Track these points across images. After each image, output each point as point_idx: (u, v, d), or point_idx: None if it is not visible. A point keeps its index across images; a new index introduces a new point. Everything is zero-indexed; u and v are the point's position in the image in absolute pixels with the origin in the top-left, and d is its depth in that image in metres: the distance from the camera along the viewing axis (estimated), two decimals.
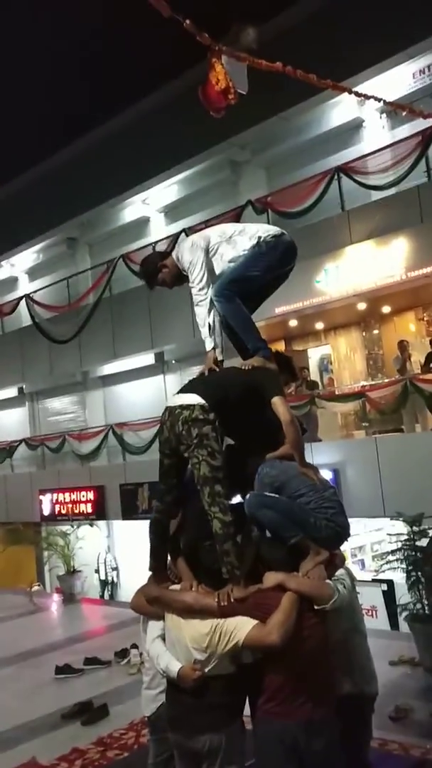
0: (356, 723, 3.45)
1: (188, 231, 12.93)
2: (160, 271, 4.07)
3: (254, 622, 3.14)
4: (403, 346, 11.40)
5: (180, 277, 4.09)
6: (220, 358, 3.93)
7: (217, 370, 3.84)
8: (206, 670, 3.20)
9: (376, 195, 11.37)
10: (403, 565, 6.80)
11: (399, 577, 7.55)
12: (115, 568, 15.76)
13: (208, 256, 3.94)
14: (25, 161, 18.40)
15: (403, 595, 7.21)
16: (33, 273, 20.33)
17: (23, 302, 16.80)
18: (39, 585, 15.33)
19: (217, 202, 14.96)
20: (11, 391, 19.20)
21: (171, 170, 15.37)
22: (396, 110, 10.57)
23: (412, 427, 10.61)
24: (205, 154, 14.56)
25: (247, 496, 3.50)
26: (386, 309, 13.03)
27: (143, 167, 15.54)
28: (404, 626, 7.41)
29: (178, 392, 3.65)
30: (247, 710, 3.35)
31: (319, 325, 14.01)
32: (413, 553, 6.77)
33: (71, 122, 16.66)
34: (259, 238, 3.89)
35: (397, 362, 11.41)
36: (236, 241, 3.93)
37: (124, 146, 15.61)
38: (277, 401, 3.52)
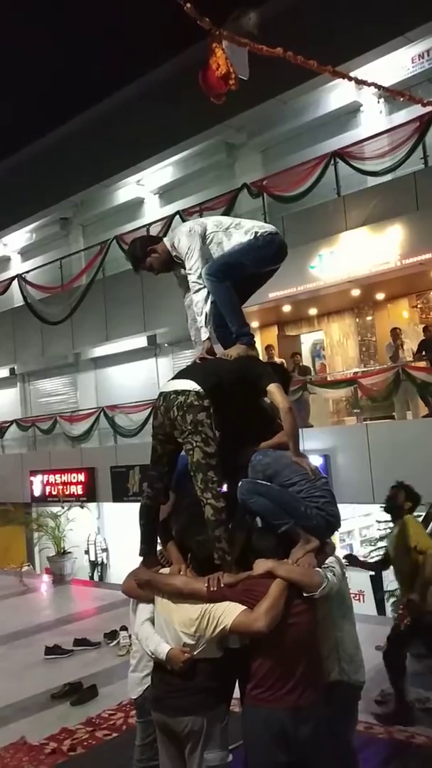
0: (343, 710, 3.49)
1: (182, 213, 12.86)
2: (149, 256, 4.04)
3: (242, 607, 3.16)
4: (396, 333, 11.42)
5: (168, 264, 4.06)
6: (214, 343, 3.93)
7: (211, 358, 3.84)
8: (194, 653, 3.22)
9: (373, 181, 11.34)
10: None
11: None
12: (105, 550, 15.83)
13: (205, 243, 3.93)
14: (19, 140, 18.24)
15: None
16: (26, 253, 20.19)
17: (15, 282, 16.69)
18: (29, 566, 15.38)
19: (212, 184, 14.88)
20: (3, 372, 19.13)
21: (166, 151, 15.26)
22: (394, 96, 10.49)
23: (404, 415, 10.66)
24: (200, 135, 14.45)
25: (240, 482, 3.51)
26: (380, 296, 13.03)
27: (138, 148, 15.42)
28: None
29: (172, 378, 3.66)
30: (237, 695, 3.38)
31: (313, 311, 14.01)
32: None
33: (66, 101, 16.51)
34: (256, 232, 3.91)
35: (390, 349, 11.43)
36: (232, 233, 3.95)
37: (119, 126, 15.46)
38: (273, 389, 3.53)
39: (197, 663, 3.23)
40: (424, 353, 10.78)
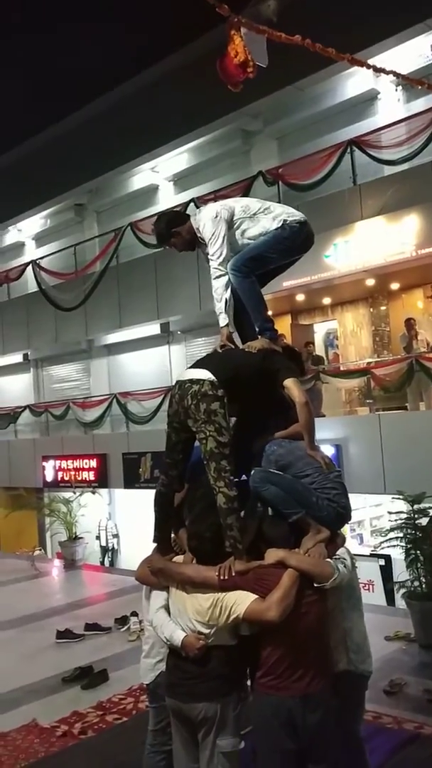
0: (351, 699, 3.52)
1: (197, 200, 12.82)
2: (173, 236, 4.02)
3: (254, 596, 3.18)
4: (410, 323, 11.36)
5: (192, 244, 4.04)
6: (233, 330, 3.93)
7: (232, 346, 3.84)
8: (209, 641, 3.25)
9: (389, 170, 11.24)
10: (403, 543, 6.85)
11: (397, 553, 7.61)
12: (116, 536, 15.94)
13: (231, 229, 3.90)
14: (34, 126, 18.15)
15: (401, 572, 7.28)
16: (40, 239, 20.21)
17: (29, 268, 16.73)
18: (41, 550, 15.52)
19: (228, 172, 14.80)
20: (16, 357, 19.22)
21: (181, 138, 15.18)
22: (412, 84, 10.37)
23: (417, 406, 10.62)
24: (216, 122, 14.35)
25: (252, 471, 3.53)
26: (395, 286, 12.95)
27: (153, 134, 15.34)
28: (400, 602, 7.48)
29: (189, 367, 3.67)
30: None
31: (326, 300, 13.95)
32: (413, 531, 6.81)
33: (82, 87, 16.38)
34: (284, 221, 3.85)
35: (404, 340, 11.38)
36: (259, 219, 3.90)
37: (135, 113, 15.39)
38: (290, 383, 3.54)
39: (211, 650, 3.26)
40: None
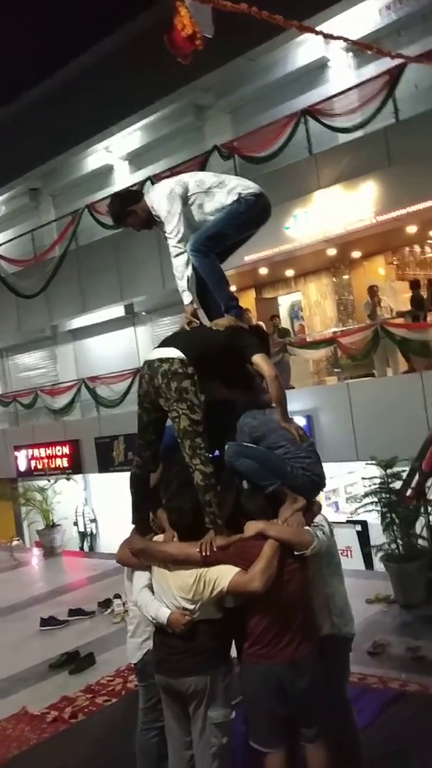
0: (335, 661, 3.58)
1: (153, 179, 12.66)
2: (129, 215, 3.95)
3: (237, 569, 3.21)
4: (373, 291, 11.43)
5: (148, 223, 3.97)
6: (197, 307, 3.90)
7: (198, 323, 3.82)
8: (194, 616, 3.28)
9: (344, 138, 11.21)
10: (378, 507, 6.96)
11: (373, 518, 7.73)
12: (94, 520, 15.92)
13: (186, 205, 3.85)
14: None
15: (378, 536, 7.40)
16: None
17: None
18: (18, 540, 15.43)
19: (182, 148, 14.64)
20: None
21: (133, 116, 14.97)
22: (362, 49, 10.33)
23: (384, 372, 10.73)
24: (167, 98, 14.18)
25: (226, 446, 3.54)
26: (356, 254, 13.01)
27: (105, 114, 15.09)
28: (379, 565, 7.62)
29: (156, 346, 3.64)
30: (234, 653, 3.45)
31: (289, 272, 13.96)
32: (387, 495, 6.92)
33: (28, 68, 16.04)
34: (239, 194, 3.80)
35: (368, 307, 11.45)
36: (214, 193, 3.84)
37: (85, 92, 15.09)
38: (258, 359, 3.54)
39: (197, 625, 3.29)
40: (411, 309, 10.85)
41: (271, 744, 3.27)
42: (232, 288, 13.39)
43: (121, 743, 3.95)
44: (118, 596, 7.88)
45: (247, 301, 14.24)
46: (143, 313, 15.66)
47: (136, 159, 16.26)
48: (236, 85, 13.93)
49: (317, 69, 12.99)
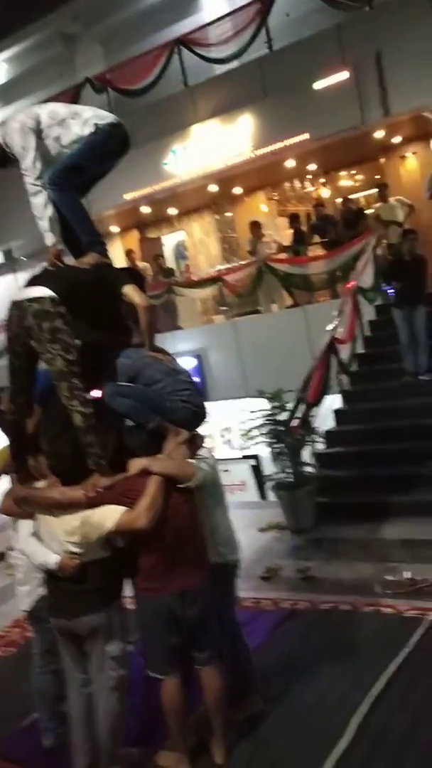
0: (223, 588, 3.68)
1: None
2: None
3: (122, 509, 3.21)
4: (255, 226, 11.42)
5: (3, 161, 3.74)
6: (61, 247, 3.74)
7: (61, 265, 3.67)
8: (83, 558, 3.28)
9: (219, 69, 10.98)
10: (267, 439, 7.11)
11: (266, 452, 7.91)
12: None
13: (41, 138, 3.63)
14: None
15: (270, 468, 7.59)
16: None
17: None
18: None
19: (53, 81, 13.82)
20: None
21: None
22: None
23: (269, 308, 10.85)
24: (33, 26, 13.33)
25: (104, 386, 3.47)
26: (237, 190, 12.92)
27: None
28: (272, 496, 7.85)
29: (25, 285, 3.48)
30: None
31: (172, 211, 13.72)
32: (275, 427, 7.08)
33: None
34: (96, 125, 3.63)
35: (251, 244, 11.46)
36: (70, 124, 3.65)
37: None
38: (129, 290, 3.47)
39: (87, 566, 3.30)
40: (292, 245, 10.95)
41: (165, 671, 3.36)
42: (116, 229, 13.02)
43: (23, 689, 3.93)
44: (11, 548, 7.70)
45: (131, 241, 13.94)
46: (23, 258, 14.99)
47: (3, 94, 15.28)
48: (105, 13, 13.25)
49: None
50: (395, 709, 3.63)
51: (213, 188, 12.23)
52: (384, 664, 4.00)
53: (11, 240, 13.93)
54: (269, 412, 7.21)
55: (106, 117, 3.71)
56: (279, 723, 3.66)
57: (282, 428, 6.97)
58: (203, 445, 3.61)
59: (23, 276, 14.78)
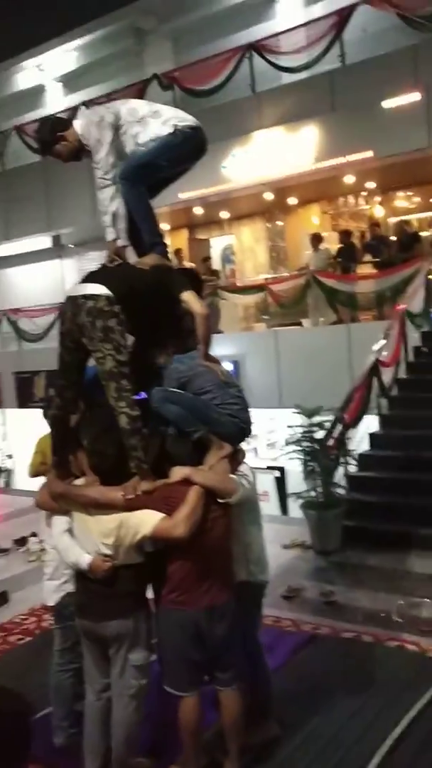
0: (250, 607, 3.62)
1: (88, 103, 12.05)
2: (57, 142, 3.68)
3: (160, 515, 3.15)
4: (315, 238, 11.30)
5: (78, 153, 3.72)
6: (123, 244, 3.69)
7: (121, 261, 3.63)
8: (115, 561, 3.23)
9: (288, 78, 10.92)
10: (300, 456, 7.03)
11: (291, 465, 7.83)
12: (11, 456, 15.59)
13: (117, 134, 3.61)
14: None
15: (296, 483, 7.51)
16: None
17: None
18: None
19: (120, 73, 13.95)
20: None
21: (69, 34, 14.12)
22: None
23: (317, 321, 10.75)
24: (107, 18, 13.41)
25: (153, 391, 3.43)
26: (292, 200, 12.87)
27: (38, 28, 14.18)
28: (293, 511, 7.76)
29: (81, 281, 3.44)
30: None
31: (224, 214, 13.71)
32: (309, 444, 6.99)
33: None
34: (175, 126, 3.58)
35: (321, 255, 11.27)
36: (149, 122, 3.60)
37: (18, 4, 14.10)
38: (188, 296, 3.40)
39: (119, 569, 3.24)
40: (339, 259, 10.82)
41: (185, 689, 3.29)
42: (166, 227, 13.05)
43: (35, 682, 3.89)
44: (34, 534, 7.74)
45: (180, 240, 13.95)
46: (71, 246, 15.09)
47: (70, 81, 15.42)
48: (179, 11, 13.30)
49: (265, 2, 12.54)
50: (418, 752, 3.52)
51: (268, 196, 12.19)
52: (408, 703, 3.89)
53: (61, 226, 14.04)
54: (306, 429, 7.12)
55: (187, 119, 3.66)
56: (296, 752, 3.58)
57: (317, 446, 6.89)
58: (244, 461, 3.55)
59: (69, 262, 15.04)
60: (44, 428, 3.87)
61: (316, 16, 10.61)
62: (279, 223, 13.43)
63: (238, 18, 12.66)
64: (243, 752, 3.40)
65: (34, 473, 4.69)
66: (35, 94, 15.84)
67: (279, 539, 7.12)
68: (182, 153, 3.66)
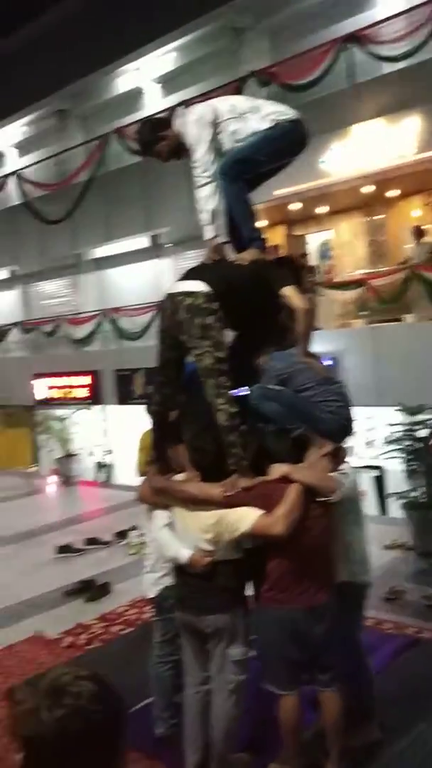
0: (352, 609, 3.56)
1: (186, 104, 12.16)
2: (158, 142, 3.73)
3: (259, 511, 3.15)
4: (417, 231, 10.97)
5: (177, 151, 3.76)
6: (222, 240, 3.70)
7: (219, 257, 3.63)
8: (214, 556, 3.25)
9: (388, 68, 10.62)
10: (402, 455, 6.85)
11: (390, 464, 7.64)
12: (111, 452, 16.01)
13: (217, 132, 3.61)
14: (8, 25, 17.03)
15: (395, 483, 7.33)
16: (22, 148, 19.31)
17: (12, 179, 16.04)
18: (36, 467, 15.62)
19: (217, 72, 13.98)
20: (3, 274, 18.75)
21: (166, 36, 14.29)
22: None
23: (417, 317, 10.43)
24: (203, 18, 13.48)
25: (251, 388, 3.42)
26: (392, 193, 12.50)
27: (137, 32, 14.42)
28: (393, 511, 7.56)
29: (180, 278, 3.48)
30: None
31: (321, 209, 13.50)
32: (411, 443, 6.80)
33: None
34: (275, 120, 3.56)
35: (423, 248, 10.95)
36: (248, 118, 3.61)
37: (117, 9, 14.42)
38: (289, 291, 3.36)
39: (217, 565, 3.26)
40: None
41: (285, 687, 3.27)
42: (263, 223, 13.02)
43: (136, 672, 3.97)
44: (134, 528, 7.92)
45: (277, 237, 13.86)
46: (169, 245, 15.32)
47: (168, 82, 15.63)
48: (275, 7, 13.19)
49: None
50: None
51: (367, 189, 11.90)
52: None
53: (159, 227, 14.27)
54: (408, 427, 6.93)
55: (287, 113, 3.63)
56: (399, 757, 3.49)
57: (421, 445, 6.69)
58: (346, 460, 3.49)
59: (167, 261, 15.28)
60: (145, 424, 3.94)
61: (418, 2, 10.24)
62: (379, 216, 13.11)
63: (335, 10, 12.42)
64: (344, 754, 3.34)
65: (143, 472, 4.75)
66: (134, 96, 16.16)
67: (378, 540, 6.96)
68: (281, 147, 3.63)
